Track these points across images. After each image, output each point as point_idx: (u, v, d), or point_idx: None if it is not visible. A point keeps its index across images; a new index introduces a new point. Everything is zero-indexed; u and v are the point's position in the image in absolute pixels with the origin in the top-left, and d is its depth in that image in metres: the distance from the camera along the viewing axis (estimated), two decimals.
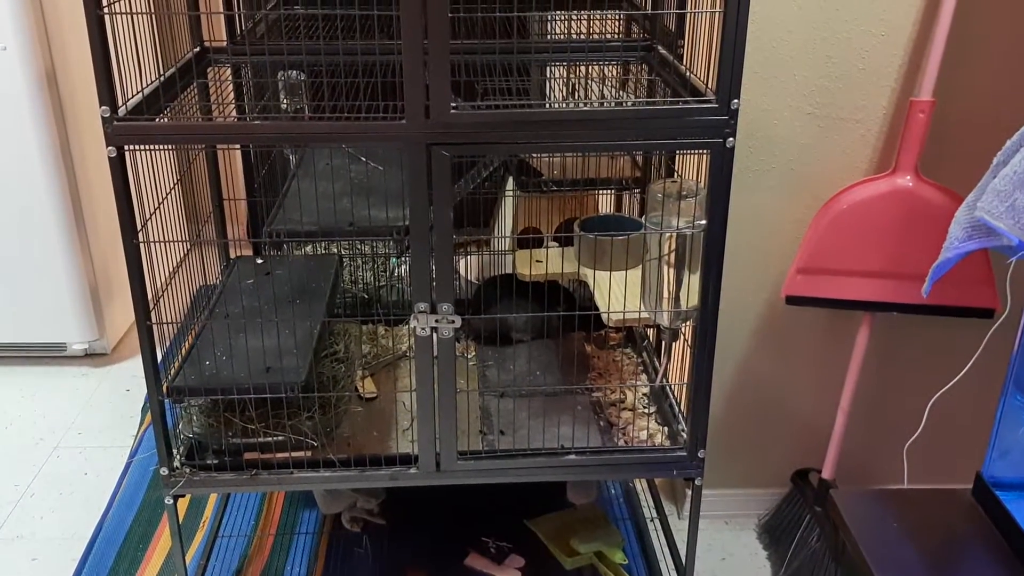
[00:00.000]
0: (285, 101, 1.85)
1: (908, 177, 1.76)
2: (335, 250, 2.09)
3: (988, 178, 1.20)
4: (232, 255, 2.07)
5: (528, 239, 2.04)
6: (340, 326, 1.99)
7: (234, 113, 1.70)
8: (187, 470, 1.64)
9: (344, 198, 1.75)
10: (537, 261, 1.91)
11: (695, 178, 1.65)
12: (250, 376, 1.62)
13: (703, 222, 1.52)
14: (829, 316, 1.99)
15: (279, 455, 1.66)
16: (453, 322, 1.53)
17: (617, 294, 1.76)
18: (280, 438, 1.67)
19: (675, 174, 1.85)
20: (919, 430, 1.70)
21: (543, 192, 2.04)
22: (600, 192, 2.29)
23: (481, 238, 2.20)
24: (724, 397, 2.07)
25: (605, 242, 1.83)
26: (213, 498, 2.23)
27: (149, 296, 1.51)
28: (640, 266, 1.81)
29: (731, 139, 1.44)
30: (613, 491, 2.27)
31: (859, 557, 1.28)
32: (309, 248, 2.12)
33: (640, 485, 2.28)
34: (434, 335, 1.54)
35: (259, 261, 2.02)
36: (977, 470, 1.35)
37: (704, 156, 1.55)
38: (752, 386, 2.08)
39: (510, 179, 2.14)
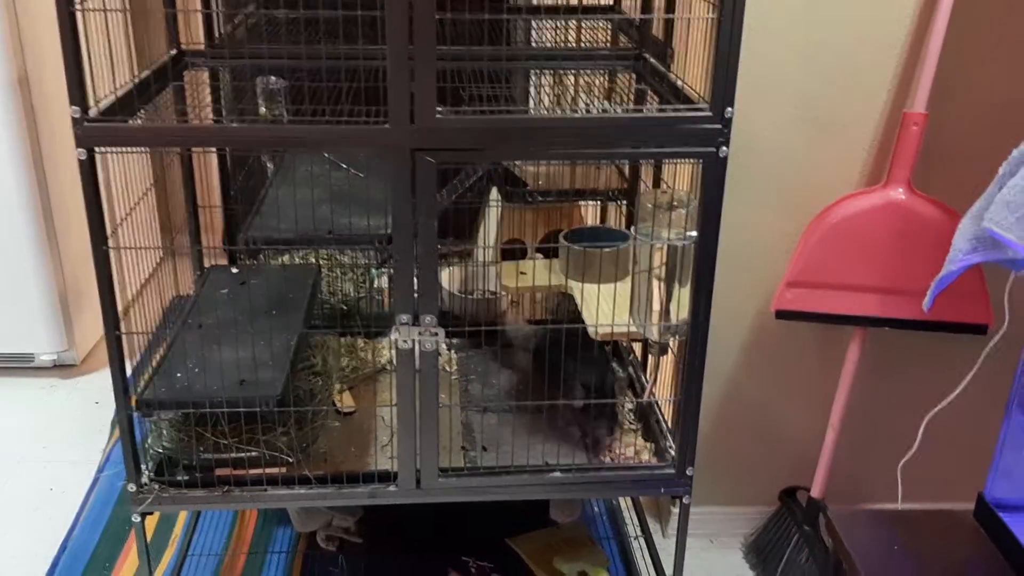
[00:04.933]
0: (263, 107, 1.80)
1: (901, 190, 1.73)
2: (313, 260, 2.04)
3: (994, 188, 1.16)
4: (206, 264, 2.01)
5: (512, 250, 2.00)
6: (318, 338, 1.93)
7: (211, 116, 1.65)
8: (156, 486, 1.58)
9: (323, 205, 1.71)
10: (521, 273, 1.87)
11: (684, 188, 1.61)
12: (223, 389, 1.57)
13: (694, 234, 1.48)
14: (820, 331, 1.95)
15: (253, 471, 1.61)
16: (436, 334, 1.48)
17: (604, 307, 1.72)
18: (254, 454, 1.62)
19: (662, 184, 1.81)
20: (914, 448, 1.66)
21: (528, 203, 2.00)
22: (586, 203, 2.25)
23: (464, 249, 2.16)
24: (710, 412, 2.03)
25: (592, 254, 1.79)
26: (183, 515, 2.16)
27: (119, 305, 1.46)
28: (627, 278, 1.77)
29: (724, 148, 1.41)
30: (596, 508, 2.22)
31: None
32: (286, 257, 2.07)
33: (624, 502, 2.23)
34: (416, 348, 1.49)
35: (234, 270, 1.96)
36: (979, 491, 1.31)
37: (693, 166, 1.52)
38: (739, 401, 2.04)
39: (494, 189, 2.10)
